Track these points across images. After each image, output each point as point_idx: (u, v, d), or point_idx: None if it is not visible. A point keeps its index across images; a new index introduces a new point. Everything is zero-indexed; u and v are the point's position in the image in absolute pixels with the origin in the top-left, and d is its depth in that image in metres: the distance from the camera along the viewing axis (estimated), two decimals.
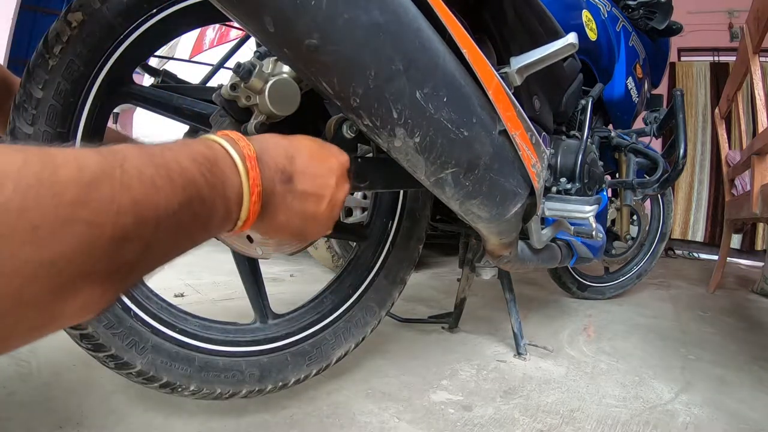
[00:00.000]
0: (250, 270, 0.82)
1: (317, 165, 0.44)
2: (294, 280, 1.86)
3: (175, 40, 2.02)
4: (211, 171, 0.33)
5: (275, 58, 0.65)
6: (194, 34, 2.73)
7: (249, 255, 0.74)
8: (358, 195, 1.90)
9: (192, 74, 1.37)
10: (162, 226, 0.29)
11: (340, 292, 0.92)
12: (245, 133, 0.65)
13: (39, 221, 0.23)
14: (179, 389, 0.68)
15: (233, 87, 0.61)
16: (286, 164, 0.41)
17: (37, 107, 0.57)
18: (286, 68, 0.63)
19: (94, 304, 0.28)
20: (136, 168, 0.28)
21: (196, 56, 2.64)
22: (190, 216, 0.31)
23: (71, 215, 0.24)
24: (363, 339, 0.92)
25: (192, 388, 0.69)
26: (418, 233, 1.00)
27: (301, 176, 0.42)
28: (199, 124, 0.72)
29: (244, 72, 0.59)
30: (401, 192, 0.99)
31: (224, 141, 0.36)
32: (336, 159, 0.47)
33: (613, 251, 1.74)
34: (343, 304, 0.91)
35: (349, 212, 1.95)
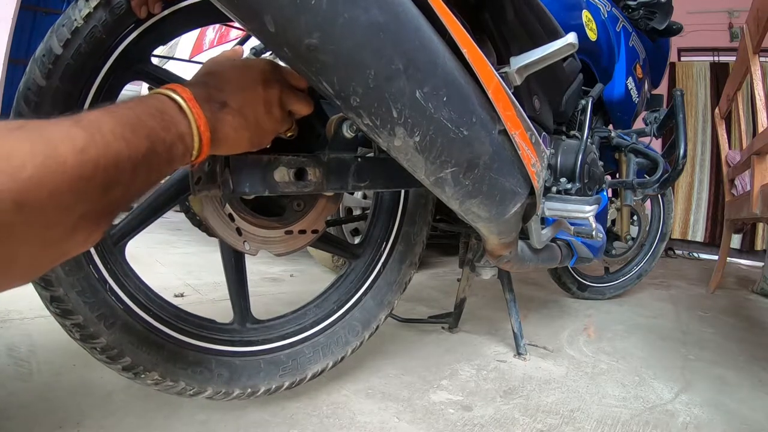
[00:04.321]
0: (235, 267, 0.81)
1: (240, 81, 0.52)
2: (294, 280, 1.86)
3: (174, 40, 2.01)
4: (163, 118, 0.42)
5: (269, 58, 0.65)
6: (194, 34, 2.73)
7: (236, 248, 0.73)
8: (358, 195, 1.90)
9: (192, 74, 1.36)
10: (137, 168, 0.38)
11: (325, 307, 0.91)
12: None
13: (53, 186, 0.31)
14: (142, 375, 0.67)
15: None
16: (217, 93, 0.50)
17: (55, 63, 0.58)
18: None
19: (93, 235, 0.38)
20: (110, 129, 0.36)
21: (196, 56, 2.63)
22: (156, 156, 0.41)
23: (72, 177, 0.33)
24: (342, 359, 0.90)
25: (155, 376, 0.68)
26: (412, 258, 0.99)
27: (231, 97, 0.51)
28: None
29: None
30: (398, 214, 0.98)
31: (167, 91, 0.45)
32: (254, 68, 0.54)
33: (614, 251, 1.75)
34: (326, 320, 0.90)
35: (349, 212, 1.95)
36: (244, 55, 0.64)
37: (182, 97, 0.45)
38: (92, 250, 0.65)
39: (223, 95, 0.50)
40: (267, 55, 0.88)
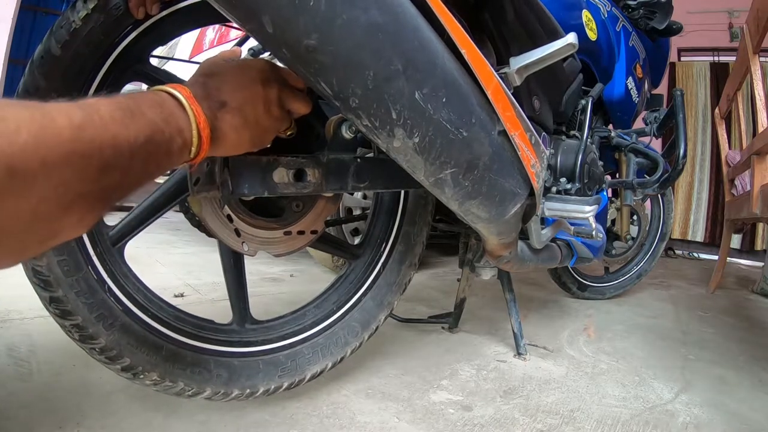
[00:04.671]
0: (234, 268, 0.80)
1: (239, 81, 0.52)
2: (294, 280, 1.86)
3: (174, 40, 2.01)
4: (162, 110, 0.43)
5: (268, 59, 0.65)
6: (194, 34, 2.73)
7: (235, 249, 0.73)
8: (358, 195, 1.90)
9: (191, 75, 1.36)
10: (134, 155, 0.39)
11: (324, 308, 0.91)
12: None
13: (46, 156, 0.31)
14: (141, 375, 0.67)
15: None
16: (216, 93, 0.50)
17: (53, 65, 0.58)
18: None
19: (86, 219, 0.37)
20: (109, 113, 0.37)
21: (196, 56, 2.64)
22: (154, 146, 0.41)
23: (68, 151, 0.33)
24: (341, 359, 0.90)
25: (154, 376, 0.68)
26: (411, 258, 0.99)
27: (230, 96, 0.51)
28: None
29: None
30: (398, 214, 0.98)
31: (166, 88, 0.46)
32: (252, 68, 0.54)
33: (614, 251, 1.75)
34: (326, 320, 0.90)
35: (349, 212, 1.95)
36: (242, 56, 0.64)
37: (181, 94, 0.46)
38: (91, 251, 0.65)
39: (223, 95, 0.50)
40: (265, 55, 0.88)
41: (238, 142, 0.53)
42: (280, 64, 0.58)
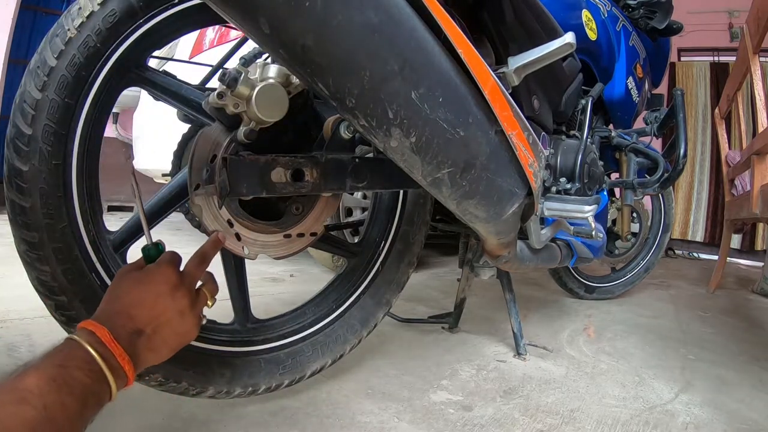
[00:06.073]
0: (235, 269, 0.81)
1: (149, 302, 0.53)
2: (294, 280, 1.86)
3: (174, 41, 2.01)
4: (91, 368, 0.45)
5: (262, 63, 0.65)
6: (194, 34, 2.72)
7: (236, 253, 0.74)
8: (358, 195, 1.90)
9: (192, 75, 1.36)
10: (75, 425, 0.41)
11: (324, 306, 0.92)
12: (235, 140, 0.66)
13: None
14: (146, 378, 0.67)
15: (220, 95, 0.61)
16: (130, 323, 0.51)
17: (49, 75, 0.57)
18: (272, 73, 0.63)
19: None
20: (54, 402, 0.39)
21: (196, 56, 2.63)
22: (91, 404, 0.43)
23: None
24: (341, 357, 0.91)
25: (159, 378, 0.68)
26: (410, 257, 0.99)
27: (145, 322, 0.52)
28: (204, 117, 0.72)
29: (229, 80, 0.59)
30: (397, 214, 0.99)
31: (87, 344, 0.46)
32: (158, 281, 0.54)
33: (616, 251, 1.75)
34: (325, 318, 0.90)
35: (349, 212, 1.95)
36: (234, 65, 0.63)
37: (103, 339, 0.47)
38: (94, 258, 0.65)
39: (137, 323, 0.51)
40: (262, 58, 0.88)
41: (159, 358, 0.54)
42: (182, 266, 0.58)
